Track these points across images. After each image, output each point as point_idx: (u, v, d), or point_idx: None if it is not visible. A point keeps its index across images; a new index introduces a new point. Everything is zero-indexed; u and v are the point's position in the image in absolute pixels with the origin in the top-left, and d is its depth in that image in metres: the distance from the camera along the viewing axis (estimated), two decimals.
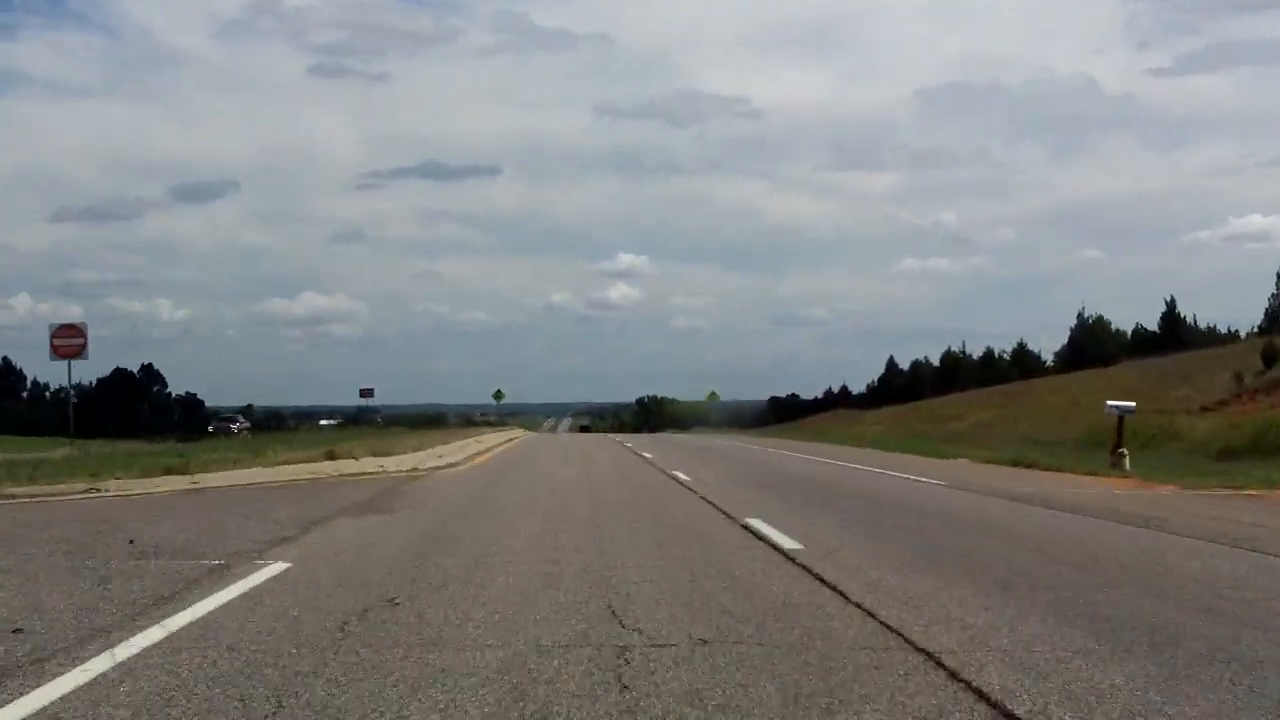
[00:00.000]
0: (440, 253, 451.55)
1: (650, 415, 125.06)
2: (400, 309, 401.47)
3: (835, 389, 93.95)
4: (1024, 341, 71.32)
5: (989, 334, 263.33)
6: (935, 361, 76.40)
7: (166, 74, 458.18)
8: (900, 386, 73.17)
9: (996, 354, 72.54)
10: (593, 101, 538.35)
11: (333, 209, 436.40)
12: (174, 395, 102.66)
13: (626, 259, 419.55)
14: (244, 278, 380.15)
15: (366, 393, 60.96)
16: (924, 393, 64.85)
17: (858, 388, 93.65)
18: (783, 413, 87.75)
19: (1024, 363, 67.13)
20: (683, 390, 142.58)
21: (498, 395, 61.51)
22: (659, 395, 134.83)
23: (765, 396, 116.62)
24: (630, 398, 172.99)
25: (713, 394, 74.70)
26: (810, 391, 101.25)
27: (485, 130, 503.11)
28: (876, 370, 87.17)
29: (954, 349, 75.50)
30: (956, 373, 68.50)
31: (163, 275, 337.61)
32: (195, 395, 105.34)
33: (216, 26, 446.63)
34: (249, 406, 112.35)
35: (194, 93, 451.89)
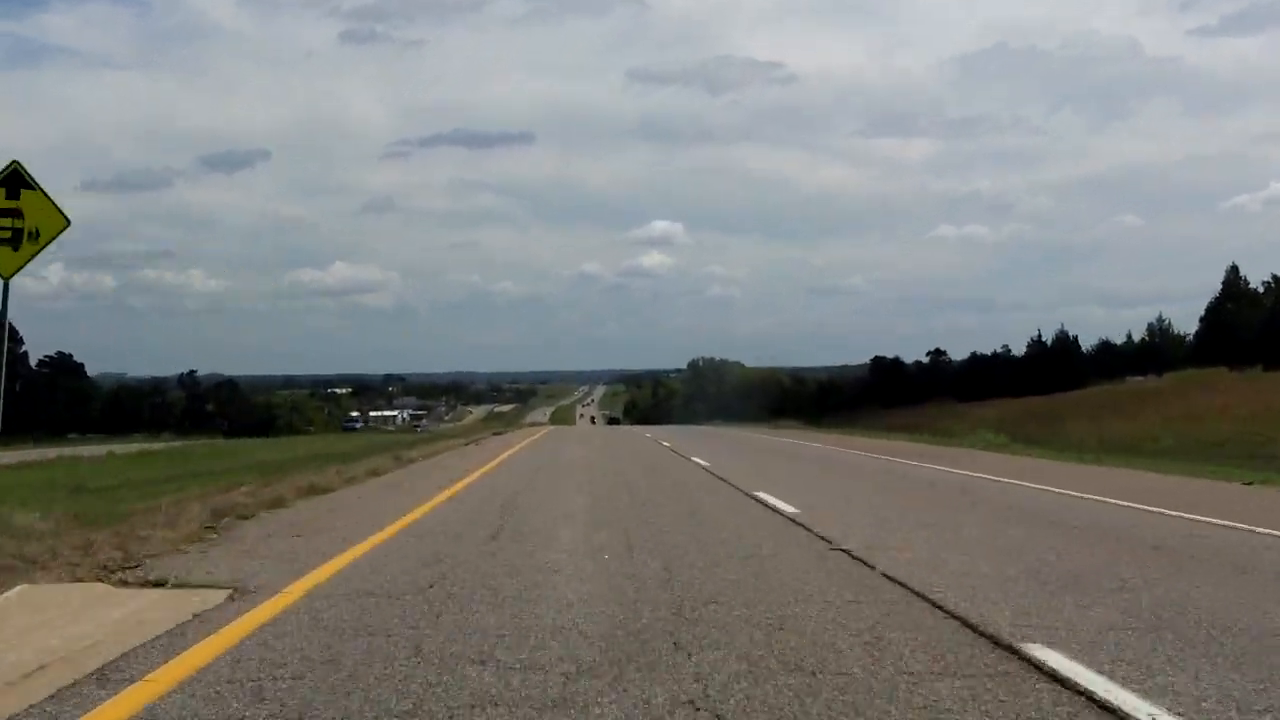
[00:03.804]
0: (472, 221, 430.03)
1: (705, 382, 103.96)
2: (431, 279, 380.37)
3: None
4: None
5: (1028, 303, 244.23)
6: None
7: (196, 44, 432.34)
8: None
9: None
10: (626, 68, 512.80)
11: (364, 177, 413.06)
12: (36, 360, 74.96)
13: (660, 226, 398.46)
14: (276, 248, 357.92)
15: None
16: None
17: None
18: (908, 388, 65.65)
19: None
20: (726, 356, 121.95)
21: None
22: (717, 358, 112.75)
23: (808, 364, 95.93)
24: (665, 365, 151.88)
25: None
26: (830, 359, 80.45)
27: (518, 97, 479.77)
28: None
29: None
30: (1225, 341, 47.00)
31: (192, 243, 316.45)
32: (70, 357, 78.23)
33: None
34: (193, 373, 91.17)
35: (224, 62, 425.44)
